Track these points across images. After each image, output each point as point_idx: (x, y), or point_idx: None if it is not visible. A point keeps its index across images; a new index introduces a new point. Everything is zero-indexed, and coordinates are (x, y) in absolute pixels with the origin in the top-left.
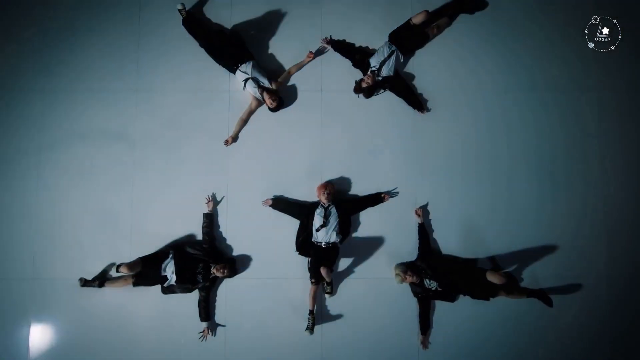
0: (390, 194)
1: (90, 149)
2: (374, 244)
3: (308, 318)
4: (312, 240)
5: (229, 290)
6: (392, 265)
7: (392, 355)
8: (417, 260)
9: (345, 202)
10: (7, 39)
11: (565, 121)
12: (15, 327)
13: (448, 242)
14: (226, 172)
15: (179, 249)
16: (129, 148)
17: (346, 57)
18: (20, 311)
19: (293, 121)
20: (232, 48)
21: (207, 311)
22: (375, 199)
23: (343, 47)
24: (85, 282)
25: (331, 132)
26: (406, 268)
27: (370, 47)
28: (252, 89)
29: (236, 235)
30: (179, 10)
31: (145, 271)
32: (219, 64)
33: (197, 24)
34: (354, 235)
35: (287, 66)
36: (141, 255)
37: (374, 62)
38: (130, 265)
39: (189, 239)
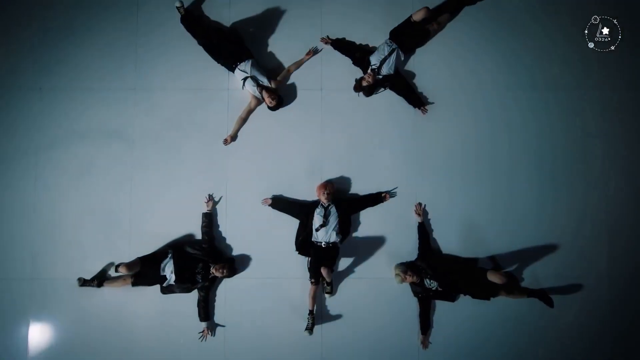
0: (391, 193)
1: (89, 149)
2: (373, 243)
3: (308, 318)
4: (312, 239)
5: (228, 290)
6: (392, 265)
7: (392, 355)
8: (417, 260)
9: (345, 201)
10: (6, 37)
11: (566, 121)
12: (15, 327)
13: (448, 241)
14: (225, 171)
15: (178, 248)
16: (128, 147)
17: (346, 55)
18: (19, 311)
19: (293, 120)
20: (231, 46)
21: (206, 311)
22: (375, 199)
23: (343, 45)
24: (84, 282)
25: (331, 131)
26: (406, 268)
27: (371, 45)
28: (251, 88)
29: (235, 234)
30: (177, 8)
31: (144, 271)
32: (218, 63)
33: (195, 22)
34: (354, 234)
35: (286, 64)
36: (140, 255)
37: (374, 60)
38: (129, 265)
39: (188, 239)
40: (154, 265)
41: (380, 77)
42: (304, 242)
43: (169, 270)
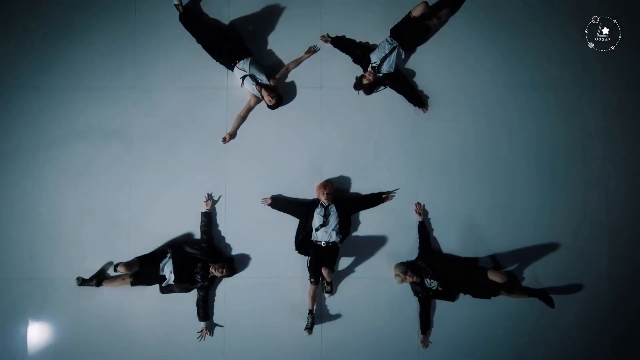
0: (391, 194)
1: (88, 148)
2: (373, 243)
3: (307, 318)
4: (312, 239)
5: (228, 289)
6: (391, 265)
7: (392, 355)
8: (417, 260)
9: (345, 201)
10: (5, 36)
11: (566, 121)
12: (13, 327)
13: (448, 241)
14: (225, 170)
15: (177, 248)
16: (126, 146)
17: (346, 54)
18: (18, 311)
19: (292, 119)
20: (229, 44)
21: (205, 311)
22: (376, 199)
23: (343, 44)
24: (82, 282)
25: (331, 130)
26: (406, 268)
27: (371, 43)
28: (249, 86)
29: (235, 234)
30: (175, 5)
31: (143, 270)
32: (217, 61)
33: (194, 20)
34: (354, 234)
35: (285, 62)
36: (139, 254)
37: (374, 57)
38: (128, 265)
39: (188, 238)
40: (152, 264)
41: (381, 75)
42: (303, 242)
43: (168, 270)
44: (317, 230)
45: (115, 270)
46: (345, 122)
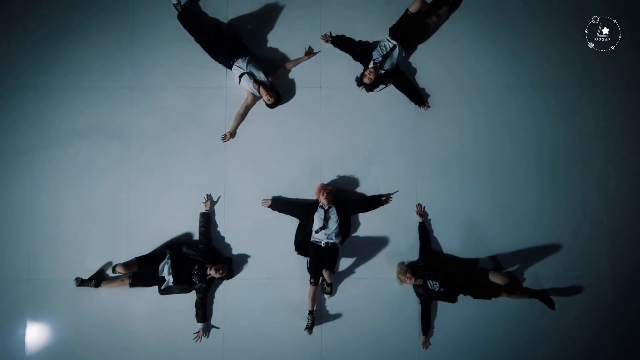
0: (390, 196)
1: (88, 148)
2: (373, 243)
3: (308, 318)
4: (312, 240)
5: (227, 290)
6: (392, 265)
7: (392, 355)
8: (419, 261)
9: (345, 203)
10: (3, 36)
11: (566, 121)
12: (12, 328)
13: (449, 241)
14: (224, 170)
15: (176, 249)
16: (125, 147)
17: (347, 52)
18: (16, 311)
19: (292, 119)
20: (228, 43)
21: (203, 312)
22: (376, 202)
23: (343, 42)
24: (81, 282)
25: (330, 129)
26: (406, 269)
27: (371, 41)
28: (247, 84)
29: (234, 234)
30: (174, 5)
31: (141, 271)
32: (216, 60)
33: (192, 19)
34: (354, 234)
35: (284, 61)
36: (138, 255)
37: (376, 55)
38: (126, 265)
39: (187, 239)
40: (151, 265)
41: (383, 72)
42: (303, 242)
43: (166, 271)
44: (316, 232)
45: (114, 271)
46: (345, 121)
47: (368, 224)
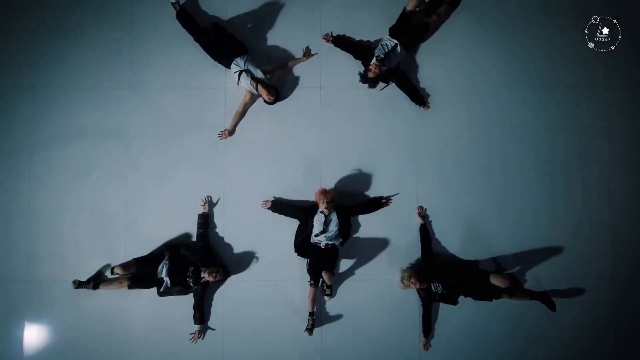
0: (390, 198)
1: (85, 148)
2: (374, 245)
3: (308, 319)
4: (311, 241)
5: (226, 292)
6: (392, 267)
7: (393, 357)
8: (421, 263)
9: (345, 207)
10: (2, 36)
11: (566, 121)
12: (10, 329)
13: (450, 243)
14: (223, 171)
15: (175, 250)
16: (124, 147)
17: (347, 52)
18: (14, 313)
19: (292, 119)
20: (227, 42)
21: (200, 315)
22: (376, 204)
23: (344, 42)
24: (79, 284)
25: (330, 130)
26: (410, 274)
27: (372, 41)
28: (245, 82)
29: (234, 236)
30: (172, 4)
31: (140, 273)
32: (215, 60)
33: (191, 18)
34: (354, 236)
35: (283, 60)
36: (136, 256)
37: (377, 52)
38: (125, 266)
39: (186, 240)
40: (150, 267)
41: (385, 69)
42: (303, 244)
43: (165, 272)
44: (316, 236)
45: (112, 272)
46: (345, 122)
47: (368, 225)
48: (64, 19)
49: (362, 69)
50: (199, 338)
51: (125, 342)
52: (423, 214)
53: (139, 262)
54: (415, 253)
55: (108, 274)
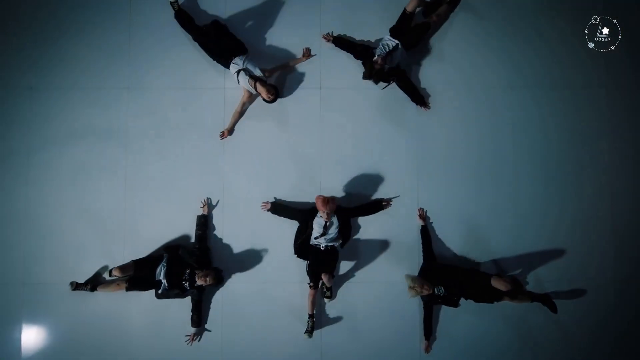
0: (391, 201)
1: (83, 149)
2: (374, 247)
3: (308, 322)
4: (311, 243)
5: (225, 294)
6: (392, 268)
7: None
8: (423, 266)
9: (345, 210)
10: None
11: (566, 121)
12: (7, 332)
13: (451, 245)
14: (223, 172)
15: (173, 252)
16: (122, 147)
17: (348, 52)
18: (11, 316)
19: (292, 120)
20: (226, 42)
21: (198, 317)
22: (376, 206)
23: (344, 42)
24: (76, 286)
25: (330, 131)
26: (422, 282)
27: (373, 41)
28: (243, 80)
29: (233, 238)
30: (171, 3)
31: (138, 275)
32: (214, 59)
33: (190, 18)
34: (354, 237)
35: (282, 60)
36: (135, 258)
37: (378, 52)
38: (123, 269)
39: (185, 242)
40: (148, 269)
41: (387, 67)
42: (302, 245)
43: (163, 274)
44: (316, 238)
45: (110, 274)
46: (345, 123)
47: (368, 227)
48: (61, 19)
49: (362, 69)
50: (195, 340)
51: (123, 345)
52: (424, 216)
53: (137, 264)
54: (416, 255)
55: (106, 275)
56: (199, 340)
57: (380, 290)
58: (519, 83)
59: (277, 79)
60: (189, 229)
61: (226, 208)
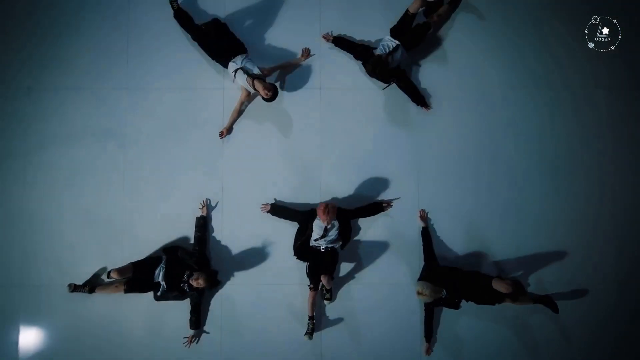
0: (391, 202)
1: (82, 150)
2: (374, 248)
3: (308, 323)
4: (311, 244)
5: (225, 296)
6: (392, 269)
7: None
8: (425, 268)
9: (345, 211)
10: None
11: (567, 122)
12: (5, 334)
13: (452, 246)
14: (222, 173)
15: (172, 253)
16: (120, 148)
17: (348, 52)
18: (9, 318)
19: (291, 120)
20: (226, 41)
21: (197, 319)
22: (376, 208)
23: (344, 42)
24: (74, 288)
25: (330, 131)
26: (433, 288)
27: (373, 41)
28: (241, 79)
29: (232, 239)
30: (170, 3)
31: (137, 277)
32: (213, 59)
33: (189, 17)
34: (354, 239)
35: (281, 60)
36: (133, 260)
37: (379, 51)
38: (121, 271)
39: (183, 243)
40: (147, 270)
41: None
42: (302, 247)
43: (162, 276)
44: (316, 240)
45: (108, 276)
46: (345, 123)
47: (369, 228)
48: (60, 19)
49: (362, 69)
50: (193, 342)
51: (121, 347)
52: (425, 217)
53: (135, 266)
54: (417, 257)
55: (104, 277)
56: (198, 342)
57: (380, 291)
58: (519, 83)
59: (277, 78)
60: (188, 230)
61: (226, 209)
